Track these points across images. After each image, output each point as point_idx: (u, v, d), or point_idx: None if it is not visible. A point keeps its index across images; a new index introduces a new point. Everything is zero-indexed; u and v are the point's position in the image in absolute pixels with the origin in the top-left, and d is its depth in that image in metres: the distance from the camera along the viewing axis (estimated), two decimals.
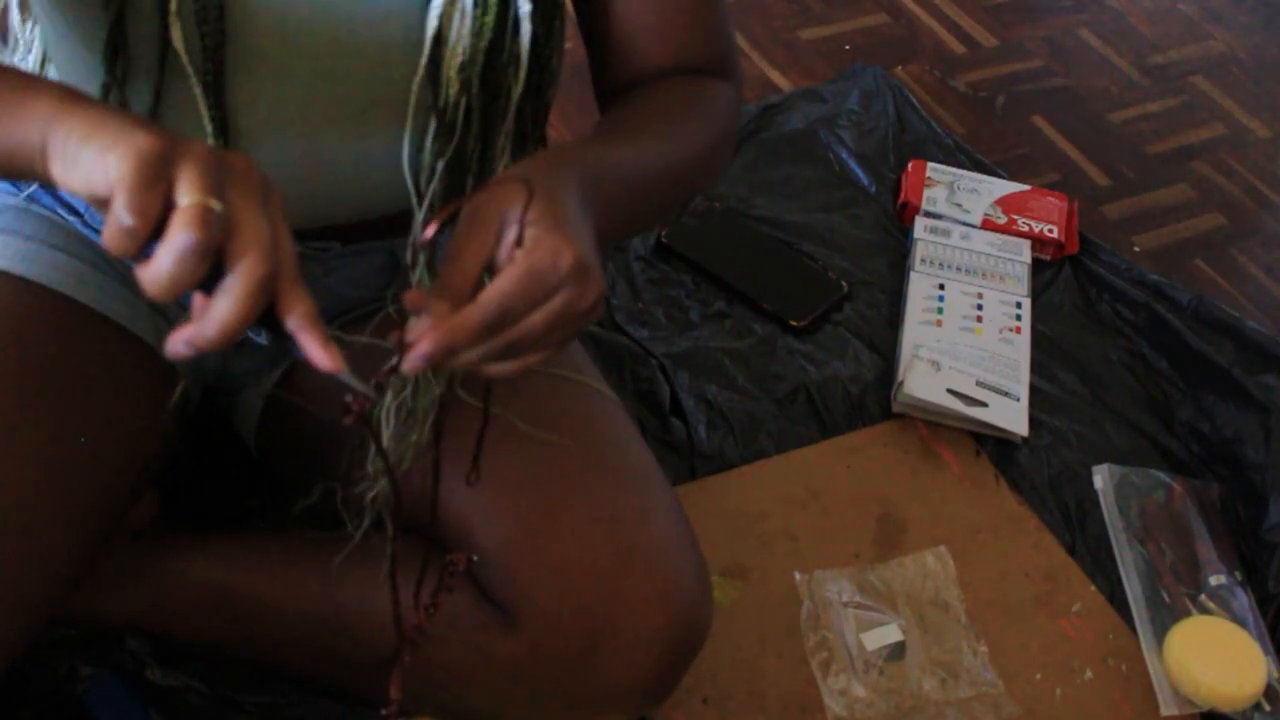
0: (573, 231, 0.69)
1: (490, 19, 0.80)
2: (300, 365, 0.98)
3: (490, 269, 0.68)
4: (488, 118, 0.84)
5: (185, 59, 0.78)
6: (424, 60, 0.81)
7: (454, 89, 0.81)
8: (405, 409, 0.88)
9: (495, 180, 0.70)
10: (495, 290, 0.66)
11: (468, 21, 0.80)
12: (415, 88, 0.82)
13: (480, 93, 0.82)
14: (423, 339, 0.65)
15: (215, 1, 0.76)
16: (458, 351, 0.66)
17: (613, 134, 0.83)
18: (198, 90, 0.79)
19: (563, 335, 0.70)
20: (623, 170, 0.79)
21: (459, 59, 0.80)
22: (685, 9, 0.90)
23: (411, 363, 0.66)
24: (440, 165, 0.84)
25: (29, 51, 0.92)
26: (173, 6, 0.76)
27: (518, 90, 0.84)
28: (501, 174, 0.74)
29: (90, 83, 0.81)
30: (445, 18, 0.80)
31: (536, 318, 0.68)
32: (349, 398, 0.64)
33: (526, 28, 0.82)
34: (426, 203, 0.85)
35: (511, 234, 0.67)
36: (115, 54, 0.79)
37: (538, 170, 0.71)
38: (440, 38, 0.80)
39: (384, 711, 0.77)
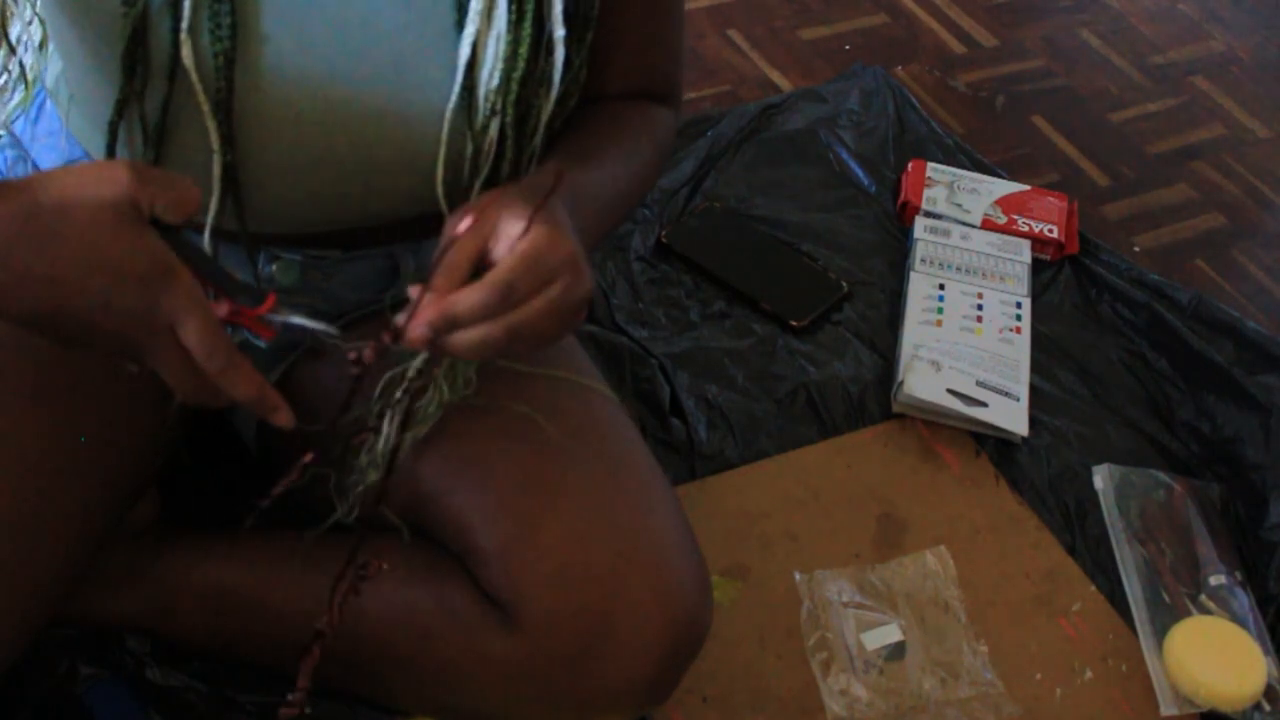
0: (568, 230, 0.74)
1: (524, 49, 0.82)
2: (299, 369, 0.98)
3: (478, 270, 0.73)
4: (519, 136, 0.86)
5: (195, 77, 0.79)
6: (456, 89, 0.82)
7: (487, 115, 0.83)
8: (412, 390, 0.89)
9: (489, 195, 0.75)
10: (501, 269, 0.71)
11: (501, 46, 0.81)
12: (448, 115, 0.83)
13: (513, 114, 0.84)
14: (427, 307, 0.70)
15: (229, 21, 0.78)
16: (459, 324, 0.70)
17: (580, 160, 0.87)
18: (206, 107, 0.80)
19: (558, 326, 0.73)
20: (590, 193, 0.84)
21: (492, 85, 0.82)
22: (656, 43, 0.95)
23: (416, 329, 0.70)
24: (477, 185, 0.86)
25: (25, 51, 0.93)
26: (184, 25, 0.77)
27: (548, 108, 0.86)
28: (493, 192, 0.77)
29: (108, 92, 0.82)
30: (478, 46, 0.81)
31: (537, 303, 0.71)
32: (353, 355, 0.71)
33: (560, 52, 0.83)
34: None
35: (516, 228, 0.71)
36: (134, 67, 0.80)
37: (526, 189, 0.75)
38: (474, 64, 0.82)
39: (290, 697, 0.80)
